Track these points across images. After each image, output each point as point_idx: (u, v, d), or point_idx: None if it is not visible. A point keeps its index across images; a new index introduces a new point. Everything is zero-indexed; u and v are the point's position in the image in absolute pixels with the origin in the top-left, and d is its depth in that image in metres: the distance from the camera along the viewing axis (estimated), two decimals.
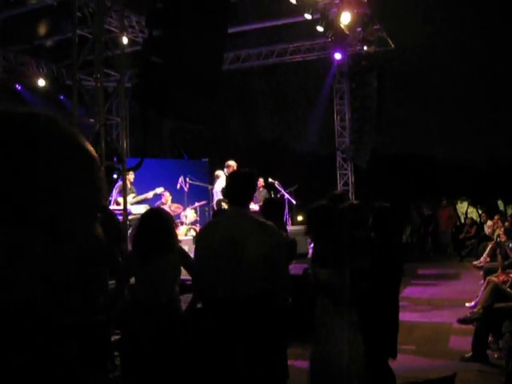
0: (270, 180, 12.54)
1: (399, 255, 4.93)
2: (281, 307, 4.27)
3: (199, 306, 4.69)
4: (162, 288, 4.46)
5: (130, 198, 10.51)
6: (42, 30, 14.49)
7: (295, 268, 7.18)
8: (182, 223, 13.18)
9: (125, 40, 12.54)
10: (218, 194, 11.88)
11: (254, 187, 4.38)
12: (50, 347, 0.84)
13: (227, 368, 4.00)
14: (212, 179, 13.61)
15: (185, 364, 4.37)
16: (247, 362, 3.99)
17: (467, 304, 9.13)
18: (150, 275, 4.44)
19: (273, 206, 5.47)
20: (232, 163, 12.06)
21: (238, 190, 4.18)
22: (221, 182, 11.96)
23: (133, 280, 4.85)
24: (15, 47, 15.44)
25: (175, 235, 4.67)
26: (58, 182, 0.84)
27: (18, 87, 16.42)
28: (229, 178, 4.61)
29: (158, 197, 12.92)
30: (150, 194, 11.62)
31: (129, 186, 7.12)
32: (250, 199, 4.34)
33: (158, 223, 4.49)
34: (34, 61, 16.21)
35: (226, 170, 12.07)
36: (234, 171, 4.51)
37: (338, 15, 12.56)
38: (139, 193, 11.67)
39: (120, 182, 7.82)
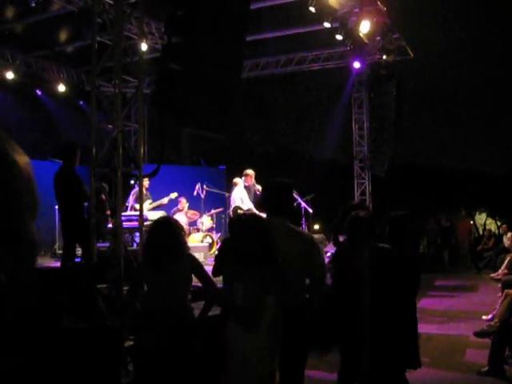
0: None
1: (416, 265, 4.87)
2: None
3: (212, 313, 4.70)
4: (173, 295, 4.45)
5: (147, 204, 10.57)
6: (63, 36, 14.65)
7: None
8: (198, 230, 13.21)
9: (144, 47, 12.65)
10: (235, 201, 11.87)
11: (291, 197, 4.40)
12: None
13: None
14: (229, 186, 13.63)
15: (196, 371, 4.36)
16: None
17: (484, 317, 9.01)
18: (161, 282, 4.44)
19: (290, 216, 5.43)
20: (250, 172, 12.08)
21: (276, 199, 4.25)
22: (238, 190, 11.96)
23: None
24: (36, 53, 15.61)
25: (184, 243, 4.66)
26: None
27: (39, 92, 16.61)
28: (267, 187, 4.60)
29: (174, 203, 12.96)
30: (164, 200, 11.68)
31: (144, 192, 7.14)
32: (289, 208, 4.35)
33: (167, 231, 4.49)
34: (54, 66, 16.37)
35: (243, 178, 12.09)
36: (273, 181, 4.49)
37: (358, 24, 12.54)
38: (156, 199, 11.73)
39: (136, 189, 7.85)
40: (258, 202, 10.98)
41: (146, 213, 9.60)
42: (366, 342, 4.49)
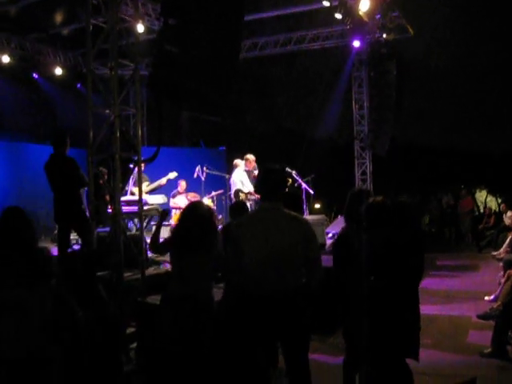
0: (288, 170, 12.44)
1: (419, 252, 4.80)
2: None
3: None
4: (195, 284, 4.41)
5: (144, 186, 10.41)
6: (59, 18, 14.46)
7: None
8: None
9: (140, 28, 12.50)
10: (235, 184, 11.80)
11: (286, 183, 4.45)
12: None
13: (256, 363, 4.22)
14: (229, 168, 13.54)
15: (213, 357, 4.36)
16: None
17: (486, 297, 8.99)
18: (184, 271, 4.41)
19: (292, 199, 5.39)
20: (250, 157, 11.99)
21: (271, 185, 4.28)
22: (239, 172, 11.88)
23: None
24: (32, 36, 15.42)
25: (215, 234, 4.58)
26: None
27: (35, 76, 16.44)
28: (261, 174, 4.63)
29: (173, 185, 12.87)
30: (163, 181, 11.41)
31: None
32: (281, 193, 4.39)
33: (197, 220, 4.43)
34: (50, 49, 16.19)
35: (244, 162, 11.98)
36: (266, 167, 4.52)
37: (357, 2, 12.35)
38: (154, 181, 11.56)
39: (134, 173, 7.79)
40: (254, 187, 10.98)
41: (145, 196, 9.51)
42: (365, 327, 4.47)
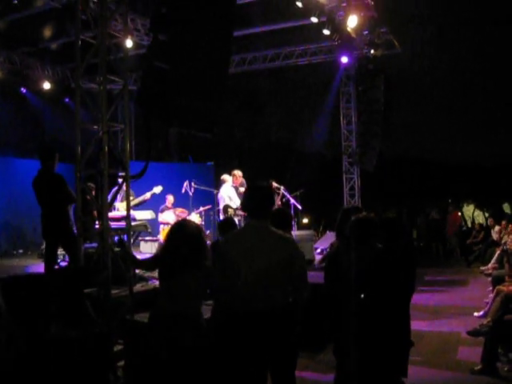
0: (275, 185, 12.45)
1: (410, 267, 4.80)
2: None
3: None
4: (185, 302, 4.36)
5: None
6: (48, 32, 14.44)
7: None
8: None
9: (129, 43, 12.51)
10: (223, 199, 11.77)
11: (273, 200, 4.40)
12: None
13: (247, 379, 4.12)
14: (217, 183, 13.52)
15: (203, 374, 4.31)
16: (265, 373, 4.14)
17: (476, 313, 8.98)
18: (172, 288, 4.36)
19: (282, 217, 5.36)
20: (237, 173, 11.99)
21: (257, 203, 4.25)
22: (226, 187, 11.86)
23: None
24: (21, 50, 15.38)
25: (204, 252, 4.51)
26: None
27: (23, 90, 16.38)
28: (247, 191, 4.60)
29: (161, 199, 12.82)
30: (147, 195, 11.33)
31: (124, 188, 7.07)
32: (269, 212, 4.32)
33: (186, 239, 4.38)
34: (39, 64, 16.16)
35: (232, 178, 11.97)
36: (253, 184, 4.51)
37: (345, 18, 12.45)
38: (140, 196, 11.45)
39: (116, 188, 7.78)
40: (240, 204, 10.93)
41: (132, 212, 9.45)
42: (355, 344, 4.45)
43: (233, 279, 4.11)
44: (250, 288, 4.06)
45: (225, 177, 12.13)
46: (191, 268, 4.32)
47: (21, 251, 14.09)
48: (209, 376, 4.39)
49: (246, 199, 4.47)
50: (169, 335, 4.25)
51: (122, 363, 5.81)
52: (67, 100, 16.33)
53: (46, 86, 16.10)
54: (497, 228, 15.40)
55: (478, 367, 6.33)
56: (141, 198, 11.17)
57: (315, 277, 6.08)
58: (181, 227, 4.54)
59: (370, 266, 4.42)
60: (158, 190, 11.58)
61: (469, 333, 7.79)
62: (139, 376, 4.99)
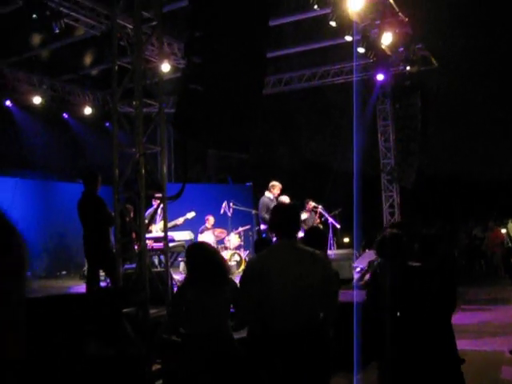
0: (314, 204, 12.39)
1: (450, 285, 4.74)
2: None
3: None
4: (214, 320, 4.41)
5: (161, 224, 10.47)
6: (88, 59, 14.86)
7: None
8: (225, 248, 13.17)
9: (166, 67, 12.75)
10: (260, 210, 11.64)
11: (299, 219, 4.38)
12: None
13: None
14: (256, 203, 13.55)
15: None
16: None
17: None
18: (201, 306, 4.41)
19: (317, 236, 5.36)
20: (276, 183, 11.87)
21: (285, 222, 4.20)
22: (264, 199, 11.73)
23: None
24: (62, 77, 15.85)
25: (225, 266, 4.62)
26: None
27: (65, 116, 16.83)
28: (274, 210, 4.59)
29: (201, 221, 12.92)
30: (180, 220, 11.24)
31: (158, 212, 7.17)
32: (297, 231, 4.32)
33: (206, 254, 4.49)
34: (80, 90, 16.61)
35: (271, 190, 11.89)
36: (279, 204, 4.53)
37: (379, 36, 12.46)
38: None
39: (150, 210, 7.90)
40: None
41: (171, 233, 9.54)
42: (396, 364, 4.40)
43: (263, 297, 4.10)
44: (281, 306, 4.02)
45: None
46: (218, 282, 4.38)
47: (64, 272, 14.38)
48: None
49: (273, 219, 4.46)
50: (202, 354, 4.29)
51: (160, 382, 5.88)
52: (107, 124, 16.71)
53: (87, 111, 16.52)
54: None
55: None
56: (173, 223, 11.15)
57: (352, 295, 6.06)
58: (198, 247, 4.72)
59: (402, 282, 4.38)
60: (190, 215, 11.54)
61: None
62: None
